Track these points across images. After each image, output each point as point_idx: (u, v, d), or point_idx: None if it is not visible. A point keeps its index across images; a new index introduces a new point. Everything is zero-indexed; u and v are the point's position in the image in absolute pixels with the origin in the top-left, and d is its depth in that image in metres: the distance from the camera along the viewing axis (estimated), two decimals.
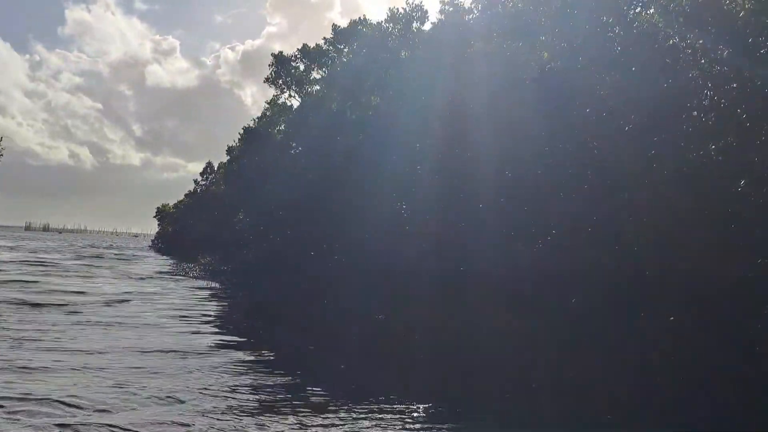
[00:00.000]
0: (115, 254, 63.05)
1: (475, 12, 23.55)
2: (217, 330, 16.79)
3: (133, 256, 61.69)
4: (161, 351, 13.23)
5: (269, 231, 36.13)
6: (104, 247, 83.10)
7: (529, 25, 19.04)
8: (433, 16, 28.09)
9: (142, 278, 32.10)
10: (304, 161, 31.45)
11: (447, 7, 27.19)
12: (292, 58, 33.20)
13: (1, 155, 55.43)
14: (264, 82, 33.27)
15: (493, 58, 19.46)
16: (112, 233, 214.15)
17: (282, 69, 33.20)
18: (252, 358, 13.15)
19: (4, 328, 14.76)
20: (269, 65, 33.18)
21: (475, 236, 19.00)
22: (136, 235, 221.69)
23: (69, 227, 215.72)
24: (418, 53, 26.34)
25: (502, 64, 19.33)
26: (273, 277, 29.99)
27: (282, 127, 35.15)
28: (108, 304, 20.42)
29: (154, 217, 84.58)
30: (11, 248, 61.26)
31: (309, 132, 31.99)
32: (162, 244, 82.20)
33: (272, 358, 13.55)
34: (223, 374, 11.46)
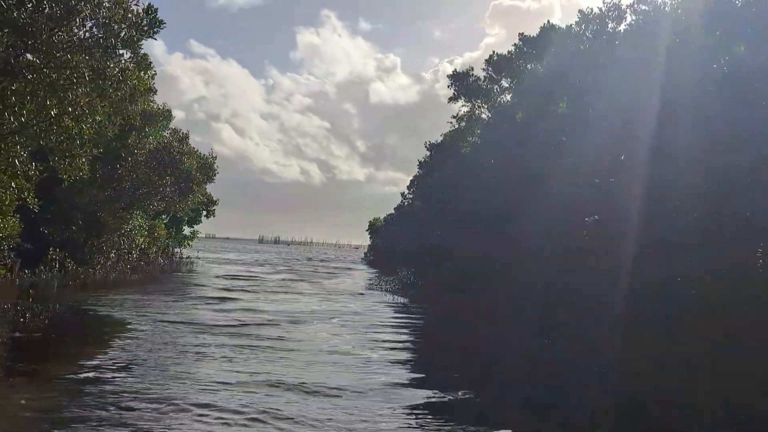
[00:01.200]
0: (326, 266, 66.48)
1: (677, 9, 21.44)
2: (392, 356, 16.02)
3: (345, 268, 64.52)
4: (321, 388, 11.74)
5: (459, 246, 35.64)
6: (319, 260, 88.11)
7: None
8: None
9: (334, 294, 32.99)
10: (493, 175, 30.54)
11: (641, 5, 24.98)
12: (470, 71, 32.58)
13: (217, 173, 59.72)
14: (448, 102, 32.94)
15: (708, 55, 17.33)
16: (334, 245, 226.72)
17: (461, 86, 32.64)
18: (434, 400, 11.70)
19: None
20: (448, 86, 32.81)
21: (681, 251, 17.02)
22: (356, 247, 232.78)
23: (297, 240, 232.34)
24: (617, 54, 24.36)
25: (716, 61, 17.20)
26: (458, 295, 29.46)
27: (473, 139, 34.51)
28: (275, 323, 20.48)
29: (366, 230, 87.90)
30: (232, 260, 67.01)
31: (500, 144, 31.02)
32: (372, 257, 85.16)
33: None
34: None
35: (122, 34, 16.30)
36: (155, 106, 46.12)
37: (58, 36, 15.49)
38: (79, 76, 16.21)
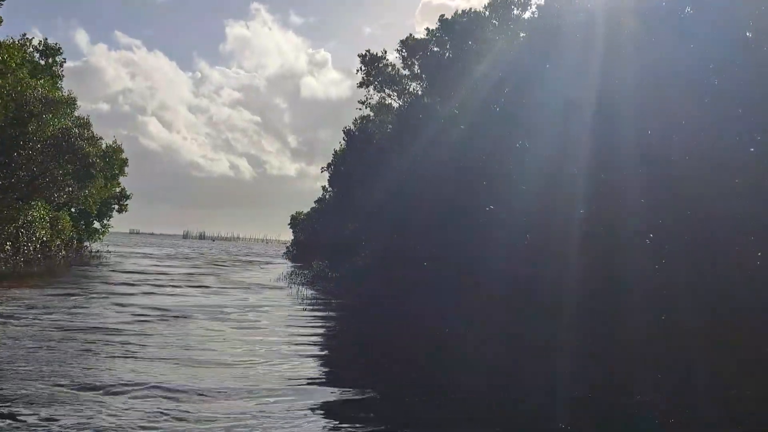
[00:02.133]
0: (243, 261, 64.77)
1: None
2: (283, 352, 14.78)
3: (263, 263, 63.00)
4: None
5: (372, 237, 34.83)
6: (238, 254, 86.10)
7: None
8: None
9: (241, 287, 31.61)
10: (408, 167, 29.76)
11: None
12: (383, 55, 31.63)
13: (126, 164, 57.18)
14: (358, 87, 31.90)
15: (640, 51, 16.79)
16: (262, 240, 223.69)
17: (372, 69, 31.70)
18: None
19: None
20: (357, 70, 31.79)
21: (623, 257, 16.53)
22: (285, 243, 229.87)
23: (223, 235, 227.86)
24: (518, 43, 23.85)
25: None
26: (371, 286, 28.55)
27: (384, 128, 33.65)
28: (164, 318, 19.10)
29: (288, 225, 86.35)
30: (147, 254, 64.52)
31: (414, 135, 30.21)
32: (295, 251, 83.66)
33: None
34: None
35: None
36: (59, 94, 43.73)
37: None
38: None
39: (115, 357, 12.38)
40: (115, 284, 28.47)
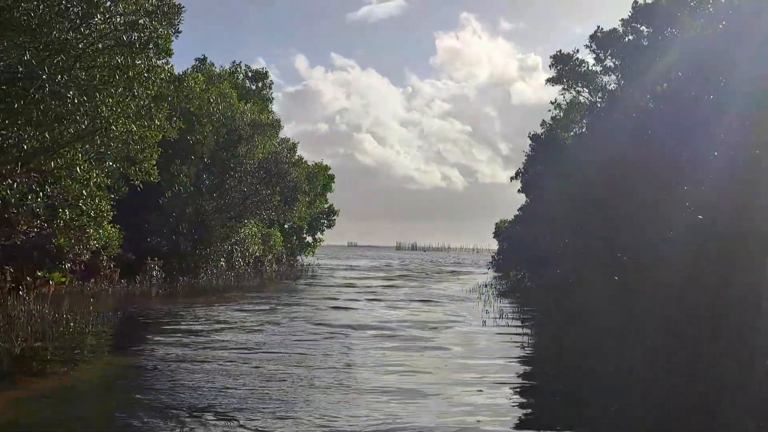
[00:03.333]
0: (445, 272, 64.83)
1: None
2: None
3: (465, 273, 62.65)
4: None
5: (569, 249, 32.77)
6: (444, 264, 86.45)
7: None
8: None
9: (428, 299, 31.23)
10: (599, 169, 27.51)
11: None
12: (574, 53, 29.55)
13: (332, 182, 60.16)
14: (546, 83, 30.15)
15: None
16: (472, 250, 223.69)
17: (564, 67, 29.72)
18: None
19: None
20: (549, 66, 29.97)
21: None
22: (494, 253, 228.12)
23: (434, 246, 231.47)
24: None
25: None
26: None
27: (578, 129, 31.60)
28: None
29: (493, 234, 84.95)
30: (353, 267, 66.89)
31: (609, 132, 27.92)
32: (501, 260, 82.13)
33: None
34: None
35: (142, 24, 15.65)
36: (266, 117, 46.68)
37: (82, 32, 15.08)
38: (110, 75, 15.75)
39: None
40: (315, 299, 29.40)
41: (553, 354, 16.20)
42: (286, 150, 43.35)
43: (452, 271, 65.87)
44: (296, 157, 43.93)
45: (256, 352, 14.81)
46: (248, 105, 44.67)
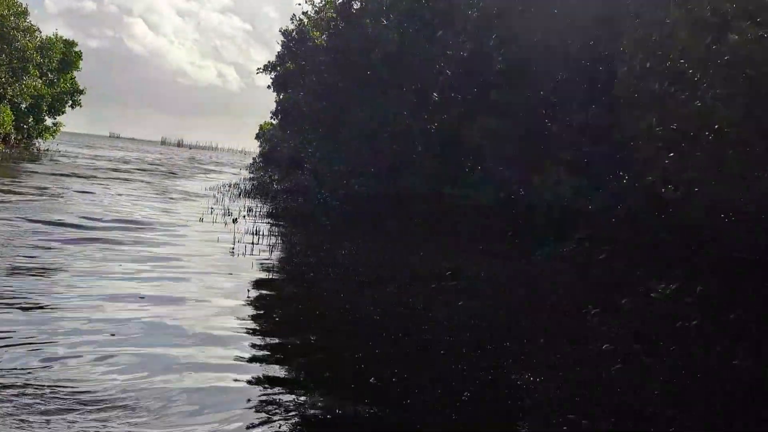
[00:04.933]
0: (199, 168, 63.07)
1: None
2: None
3: (217, 171, 61.38)
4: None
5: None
6: (202, 162, 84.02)
7: None
8: None
9: (163, 193, 29.95)
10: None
11: None
12: None
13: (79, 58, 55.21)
14: None
15: None
16: (240, 152, 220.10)
17: None
18: None
19: None
20: None
21: None
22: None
23: (201, 144, 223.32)
24: None
25: None
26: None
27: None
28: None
29: (255, 137, 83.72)
30: (99, 157, 62.52)
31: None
32: (262, 163, 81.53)
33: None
34: None
35: None
36: None
37: None
38: None
39: None
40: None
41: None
42: (13, 15, 38.09)
43: (206, 170, 64.11)
44: (26, 24, 38.84)
45: None
46: None
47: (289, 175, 40.70)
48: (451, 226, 17.37)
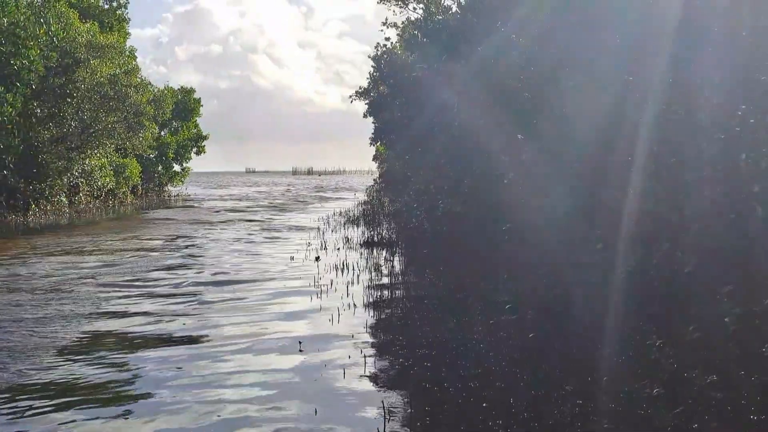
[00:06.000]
0: (319, 196, 64.00)
1: None
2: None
3: (335, 198, 62.05)
4: None
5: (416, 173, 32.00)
6: (326, 187, 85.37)
7: None
8: None
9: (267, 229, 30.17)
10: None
11: None
12: None
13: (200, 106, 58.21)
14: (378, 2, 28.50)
15: None
16: (367, 172, 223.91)
17: None
18: None
19: None
20: None
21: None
22: None
23: (329, 169, 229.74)
24: None
25: None
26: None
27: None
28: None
29: (372, 159, 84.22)
30: (224, 197, 64.93)
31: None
32: (384, 184, 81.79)
33: None
34: None
35: None
36: (117, 39, 42.98)
37: None
38: None
39: None
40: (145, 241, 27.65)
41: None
42: (125, 73, 40.07)
43: (325, 197, 64.92)
44: (138, 79, 40.83)
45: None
46: (87, 25, 40.88)
47: (399, 196, 40.13)
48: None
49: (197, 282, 16.18)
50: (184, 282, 16.16)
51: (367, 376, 8.68)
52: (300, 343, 10.33)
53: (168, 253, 21.93)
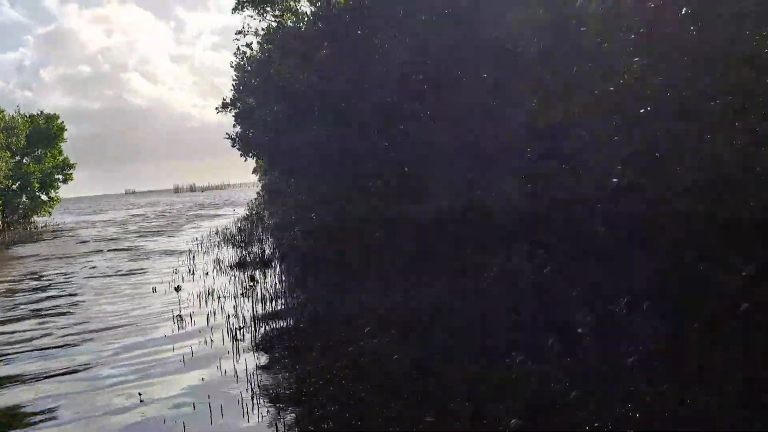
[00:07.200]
0: (194, 215, 61.85)
1: None
2: None
3: (213, 215, 60.16)
4: None
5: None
6: (205, 204, 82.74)
7: None
8: None
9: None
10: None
11: None
12: None
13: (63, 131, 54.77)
14: (232, 13, 27.66)
15: None
16: (252, 184, 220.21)
17: None
18: None
19: None
20: None
21: None
22: None
23: (213, 184, 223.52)
24: None
25: None
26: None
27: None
28: None
29: (252, 172, 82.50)
30: (92, 224, 61.55)
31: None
32: (266, 197, 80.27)
33: None
34: None
35: None
36: None
37: None
38: None
39: None
40: None
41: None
42: None
43: (199, 215, 62.66)
44: None
45: None
46: None
47: (279, 209, 39.08)
48: (399, 250, 15.42)
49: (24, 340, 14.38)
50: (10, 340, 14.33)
51: None
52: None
53: (9, 298, 19.89)
